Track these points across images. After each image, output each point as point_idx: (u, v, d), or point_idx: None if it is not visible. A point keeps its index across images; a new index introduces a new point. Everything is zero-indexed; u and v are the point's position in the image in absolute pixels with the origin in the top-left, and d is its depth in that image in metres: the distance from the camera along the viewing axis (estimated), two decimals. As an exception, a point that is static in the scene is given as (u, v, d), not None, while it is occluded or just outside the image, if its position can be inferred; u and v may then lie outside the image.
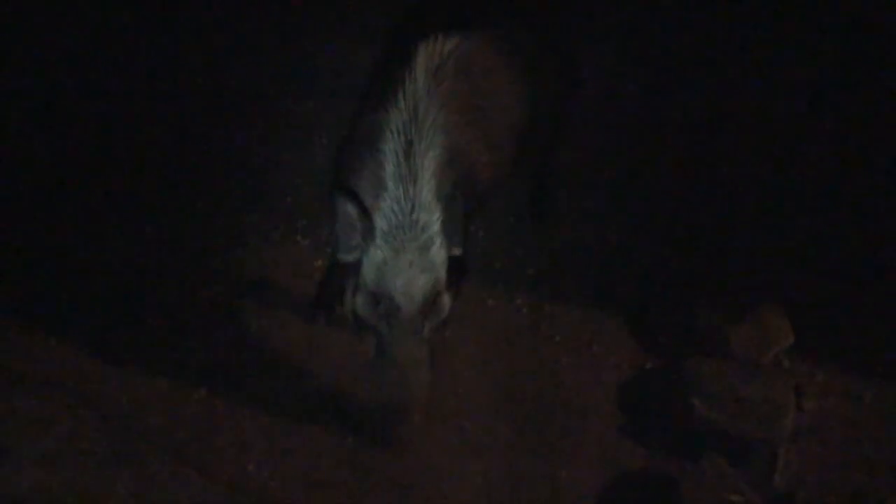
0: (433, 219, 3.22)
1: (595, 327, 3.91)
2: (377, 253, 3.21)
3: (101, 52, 4.60)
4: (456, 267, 3.32)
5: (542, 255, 4.12)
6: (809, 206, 4.27)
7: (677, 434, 3.60)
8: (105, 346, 3.74)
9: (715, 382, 3.62)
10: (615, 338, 3.89)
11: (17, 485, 3.37)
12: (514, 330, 3.90)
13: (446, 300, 3.31)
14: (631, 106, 4.60)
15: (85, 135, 4.38)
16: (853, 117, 4.52)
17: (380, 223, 3.20)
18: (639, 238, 4.20)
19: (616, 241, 4.18)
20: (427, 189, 3.23)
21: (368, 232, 3.20)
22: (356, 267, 3.27)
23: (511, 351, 3.84)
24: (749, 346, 3.73)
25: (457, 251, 3.29)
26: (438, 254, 3.24)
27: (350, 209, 3.19)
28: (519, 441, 3.60)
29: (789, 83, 4.62)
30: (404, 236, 3.21)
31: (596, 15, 4.50)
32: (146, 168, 4.31)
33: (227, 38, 4.70)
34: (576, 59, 3.93)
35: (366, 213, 3.20)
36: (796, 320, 3.80)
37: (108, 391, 3.63)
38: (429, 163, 3.25)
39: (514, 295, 4.00)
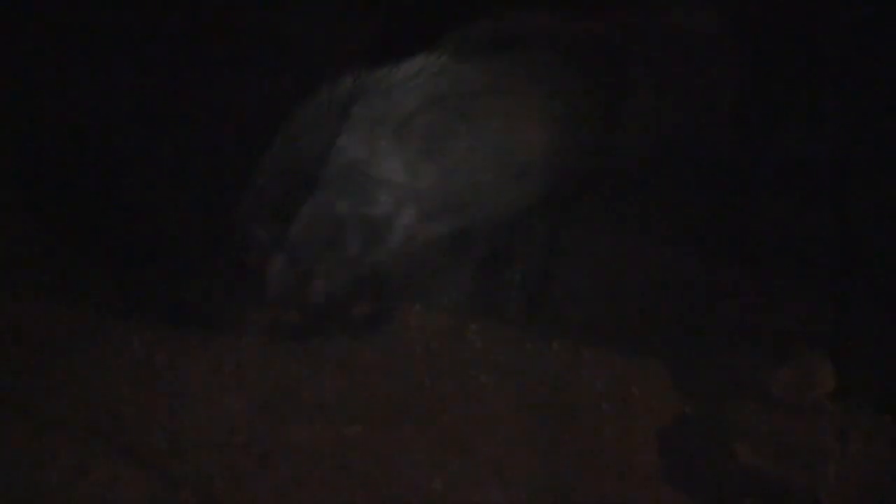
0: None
1: (634, 372, 3.89)
2: None
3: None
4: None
5: (581, 300, 4.13)
6: (850, 246, 4.27)
7: (719, 479, 3.56)
8: (143, 394, 3.72)
9: (757, 427, 3.62)
10: (655, 383, 3.87)
11: (54, 532, 3.36)
12: (553, 376, 3.88)
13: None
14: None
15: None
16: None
17: None
18: (678, 282, 4.20)
19: (655, 285, 4.18)
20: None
21: None
22: None
23: (550, 397, 3.82)
24: (791, 389, 3.72)
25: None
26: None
27: None
28: (559, 490, 3.56)
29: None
30: None
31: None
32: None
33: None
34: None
35: None
36: (839, 363, 3.79)
37: (145, 438, 3.60)
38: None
39: (552, 340, 3.99)
